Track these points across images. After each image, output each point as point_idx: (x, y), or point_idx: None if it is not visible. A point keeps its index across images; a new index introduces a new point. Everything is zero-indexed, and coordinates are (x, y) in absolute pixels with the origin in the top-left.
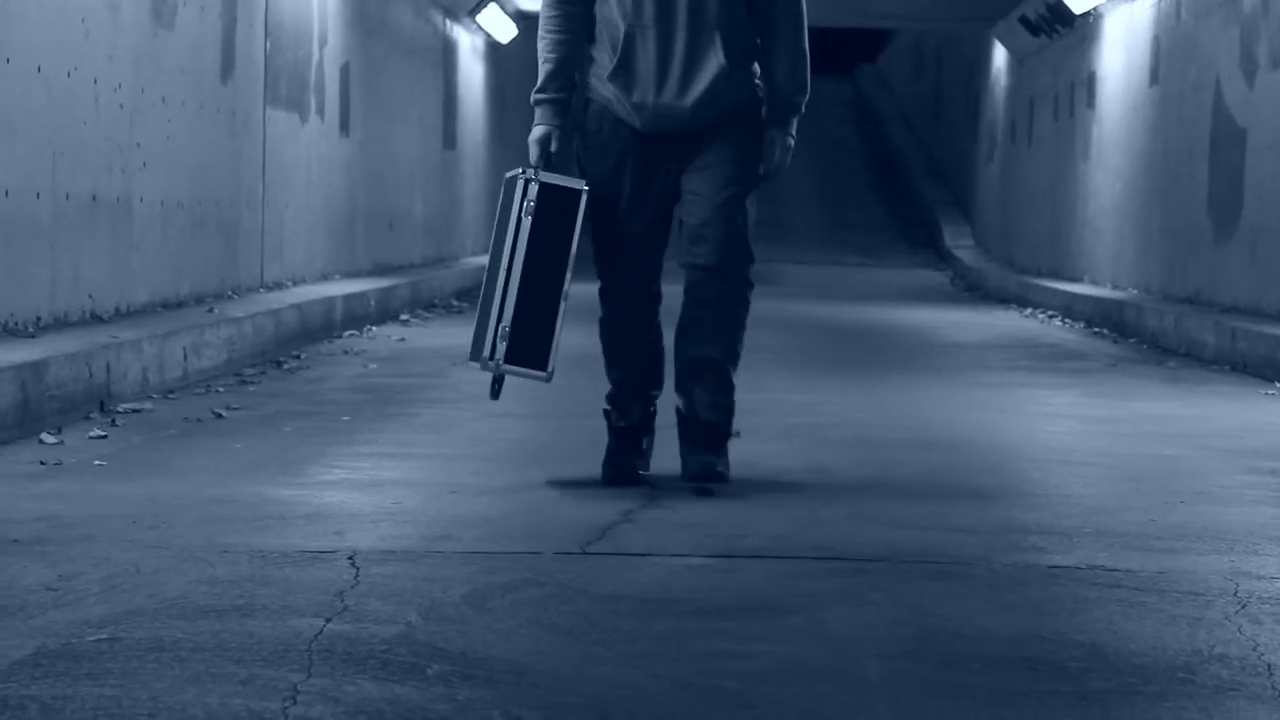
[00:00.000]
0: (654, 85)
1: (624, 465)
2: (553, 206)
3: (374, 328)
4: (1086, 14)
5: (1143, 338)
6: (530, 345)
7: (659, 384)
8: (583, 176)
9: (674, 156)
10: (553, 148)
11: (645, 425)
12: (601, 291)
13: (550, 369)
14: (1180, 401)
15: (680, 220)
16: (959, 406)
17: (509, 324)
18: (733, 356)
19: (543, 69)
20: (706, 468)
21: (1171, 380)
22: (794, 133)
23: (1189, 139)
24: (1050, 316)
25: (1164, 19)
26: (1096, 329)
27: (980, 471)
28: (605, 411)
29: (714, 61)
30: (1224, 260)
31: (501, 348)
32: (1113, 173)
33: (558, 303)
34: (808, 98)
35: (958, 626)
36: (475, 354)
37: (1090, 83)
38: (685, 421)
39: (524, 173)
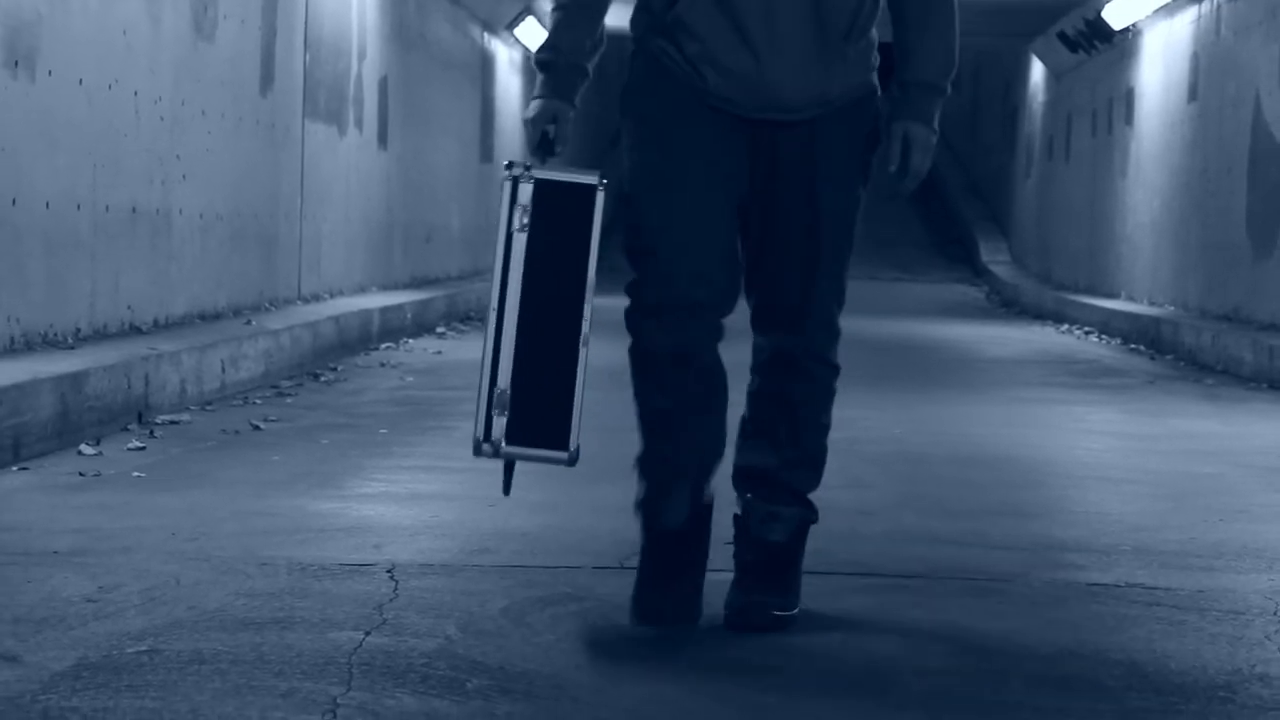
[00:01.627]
0: (727, 41)
1: (666, 597)
2: (556, 213)
3: (410, 340)
4: (1125, 30)
5: (1180, 354)
6: (541, 416)
7: (719, 452)
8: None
9: (750, 148)
10: (556, 133)
11: (698, 529)
12: (634, 312)
13: (573, 448)
14: (1218, 419)
15: (744, 253)
16: (996, 422)
17: (508, 388)
18: (812, 461)
19: (554, 17)
20: (755, 609)
21: (1209, 398)
22: (937, 126)
23: (1228, 155)
24: (1087, 332)
25: (1203, 35)
26: (1133, 345)
27: (1019, 488)
28: (637, 505)
29: (812, 23)
30: (1262, 277)
31: (500, 424)
32: (1151, 189)
33: (575, 351)
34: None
35: (997, 644)
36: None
37: (1129, 99)
38: (740, 534)
39: (512, 168)
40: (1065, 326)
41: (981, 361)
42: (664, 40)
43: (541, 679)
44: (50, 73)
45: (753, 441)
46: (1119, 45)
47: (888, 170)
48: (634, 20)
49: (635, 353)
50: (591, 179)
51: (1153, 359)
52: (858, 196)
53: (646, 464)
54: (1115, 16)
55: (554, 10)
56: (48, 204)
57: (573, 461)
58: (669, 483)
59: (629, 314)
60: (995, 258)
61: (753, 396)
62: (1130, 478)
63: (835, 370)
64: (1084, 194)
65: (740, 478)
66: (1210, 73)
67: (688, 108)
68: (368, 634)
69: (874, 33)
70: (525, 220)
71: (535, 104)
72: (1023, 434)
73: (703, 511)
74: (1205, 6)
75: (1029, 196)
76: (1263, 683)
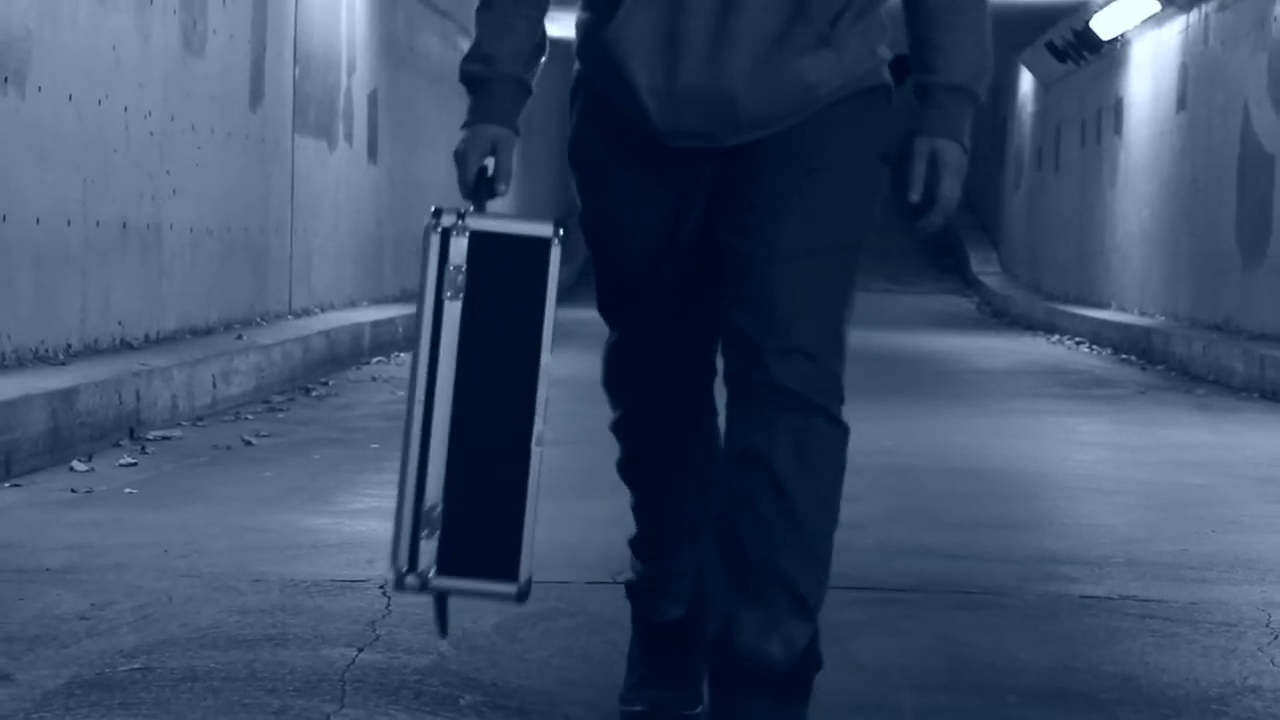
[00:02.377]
0: (671, 49)
1: (662, 698)
2: (499, 275)
3: (402, 354)
4: (1114, 40)
5: (1171, 365)
6: (483, 538)
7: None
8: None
9: (710, 180)
10: (496, 168)
11: (698, 620)
12: (613, 380)
13: (524, 579)
14: (1210, 429)
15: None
16: (988, 433)
17: (440, 504)
18: (815, 556)
19: (481, 19)
20: None
21: (1200, 408)
22: (968, 141)
23: (1217, 165)
24: (1078, 343)
25: (1192, 45)
26: (1124, 356)
27: (1010, 500)
28: (628, 586)
29: (780, 6)
30: (1252, 287)
31: (430, 550)
32: (1140, 199)
33: (525, 453)
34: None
35: (990, 657)
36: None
37: (1118, 109)
38: (719, 650)
39: (440, 218)
40: (1056, 337)
41: (972, 373)
42: (601, 79)
43: (534, 695)
44: (40, 88)
45: (729, 530)
46: (1107, 55)
47: (906, 201)
48: (577, 49)
49: (617, 422)
50: (544, 230)
51: (1143, 369)
52: (861, 211)
53: (641, 548)
54: (1104, 27)
55: (481, 9)
56: (38, 219)
57: (523, 597)
58: (665, 580)
59: (607, 378)
60: (985, 268)
61: (723, 471)
62: (1122, 489)
63: (843, 425)
64: (1073, 204)
65: (721, 577)
66: (1199, 83)
67: (633, 157)
68: (361, 650)
69: (882, 14)
70: (460, 284)
71: (466, 133)
72: (1014, 445)
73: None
74: (1193, 16)
75: (1019, 207)
76: (1255, 695)
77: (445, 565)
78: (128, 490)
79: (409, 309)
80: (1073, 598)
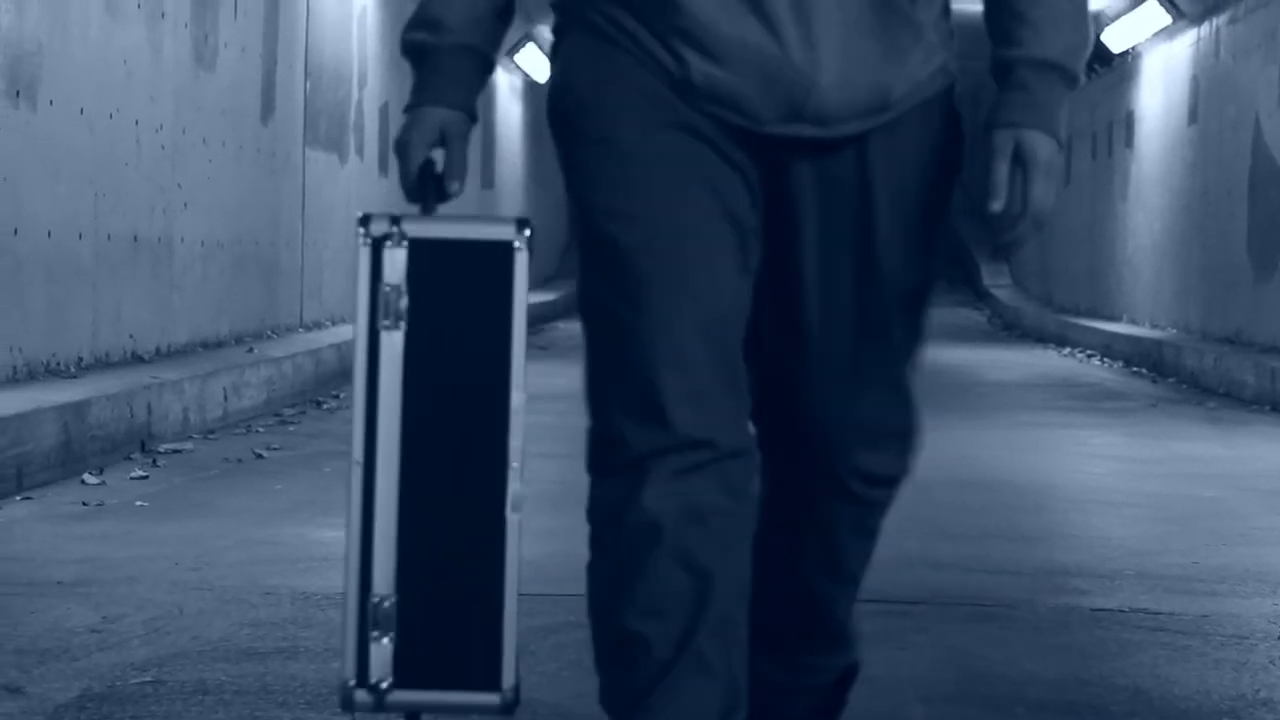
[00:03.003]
0: (725, 7)
1: None
2: (450, 293)
3: None
4: (1125, 53)
5: (1182, 377)
6: (452, 638)
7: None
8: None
9: (761, 183)
10: (448, 162)
11: None
12: (599, 447)
13: (508, 685)
14: (1221, 442)
15: (754, 331)
16: (999, 446)
17: (390, 598)
18: (848, 583)
19: None
20: None
21: (1211, 421)
22: (1064, 133)
23: (1228, 178)
24: (1089, 355)
25: (1203, 58)
26: (1135, 368)
27: (1021, 512)
28: None
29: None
30: (1264, 299)
31: (383, 655)
32: (1151, 212)
33: (499, 522)
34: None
35: (1002, 670)
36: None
37: (1129, 122)
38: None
39: (368, 226)
40: (1067, 349)
41: (983, 385)
42: (613, 6)
43: (545, 708)
44: (51, 102)
45: (761, 561)
46: (1118, 68)
47: (988, 209)
48: None
49: (596, 511)
50: (504, 231)
51: (1154, 382)
52: (933, 256)
53: (613, 705)
54: (1115, 40)
55: None
56: (49, 233)
57: (509, 708)
58: None
59: (590, 439)
60: (997, 281)
61: (763, 520)
62: (1132, 501)
63: (895, 486)
64: (1085, 217)
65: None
66: (1210, 96)
67: (656, 115)
68: None
69: None
70: (400, 309)
71: (408, 118)
72: (1025, 458)
73: None
74: (1204, 29)
75: None
76: (1267, 708)
77: (405, 676)
78: (139, 503)
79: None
80: (1083, 610)
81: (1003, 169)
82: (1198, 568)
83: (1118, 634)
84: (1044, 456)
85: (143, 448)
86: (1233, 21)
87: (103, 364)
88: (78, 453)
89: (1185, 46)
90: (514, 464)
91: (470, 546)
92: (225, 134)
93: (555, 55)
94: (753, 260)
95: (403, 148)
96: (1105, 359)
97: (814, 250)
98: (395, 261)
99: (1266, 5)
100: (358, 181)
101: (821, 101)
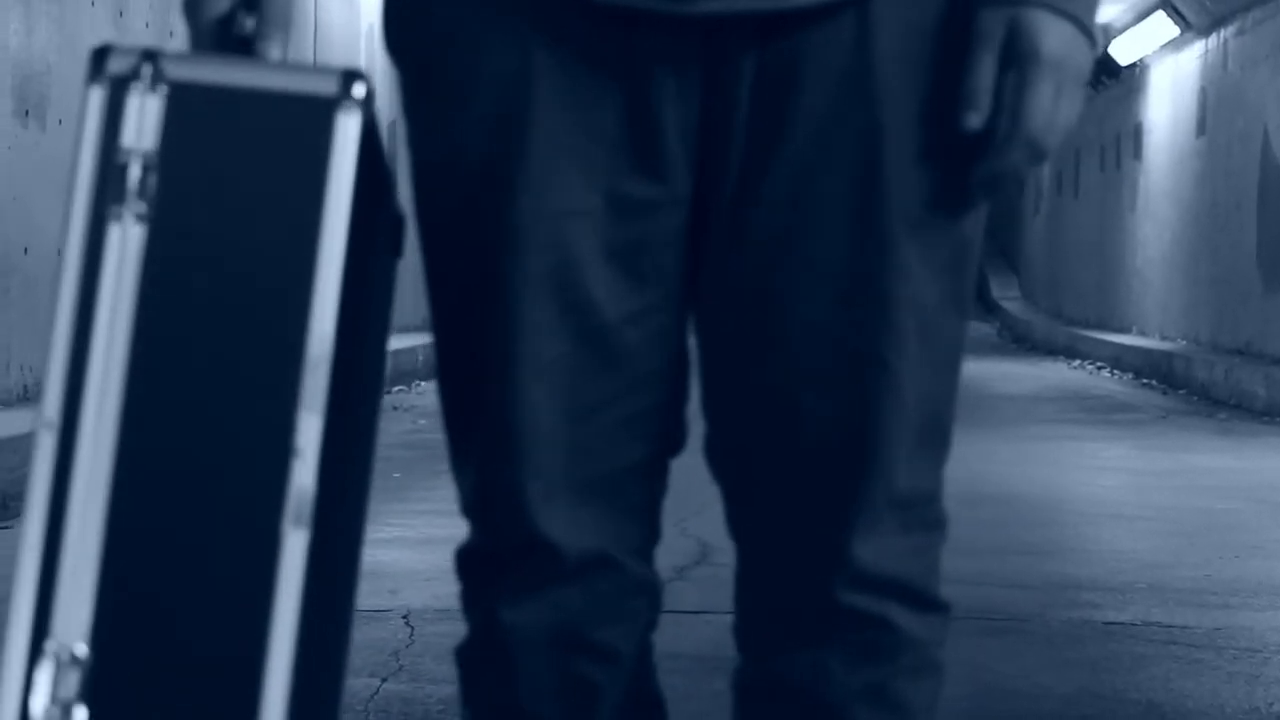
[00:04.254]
0: None
1: None
2: (224, 171)
3: (422, 383)
4: (1133, 65)
5: (1192, 389)
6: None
7: None
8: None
9: (704, 100)
10: (263, 8)
11: None
12: (468, 557)
13: None
14: (1232, 454)
15: (699, 345)
16: (1009, 459)
17: (83, 651)
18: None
19: None
20: None
21: (1223, 432)
22: (1095, 25)
23: (1237, 190)
24: (1099, 368)
25: (1211, 70)
26: (1146, 380)
27: (1032, 525)
28: None
29: None
30: (1273, 311)
31: None
32: (1160, 223)
33: (270, 541)
34: None
35: (1015, 684)
36: None
37: (1137, 134)
38: None
39: (105, 64)
40: (1077, 362)
41: (994, 398)
42: None
43: None
44: (60, 121)
45: None
46: (1126, 81)
47: (961, 123)
48: None
49: (469, 645)
50: (322, 84)
51: (1165, 394)
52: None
53: None
54: (1122, 52)
55: None
56: (59, 252)
57: None
58: None
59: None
60: (1006, 293)
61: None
62: (1144, 514)
63: (942, 612)
64: (1094, 229)
65: None
66: (1218, 107)
67: (539, 41)
68: (384, 680)
69: None
70: (147, 191)
71: None
72: (1036, 471)
73: None
74: (1212, 41)
75: (1039, 232)
76: None
77: None
78: None
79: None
80: (1096, 624)
81: (986, 66)
82: (1210, 580)
83: (1130, 647)
84: (1055, 469)
85: None
86: (1240, 33)
87: None
88: None
89: (1193, 58)
90: (303, 448)
91: (225, 577)
92: None
93: None
94: (670, 218)
95: (188, 12)
96: (1115, 371)
97: (791, 159)
98: (144, 116)
99: (1275, 17)
100: None
101: None
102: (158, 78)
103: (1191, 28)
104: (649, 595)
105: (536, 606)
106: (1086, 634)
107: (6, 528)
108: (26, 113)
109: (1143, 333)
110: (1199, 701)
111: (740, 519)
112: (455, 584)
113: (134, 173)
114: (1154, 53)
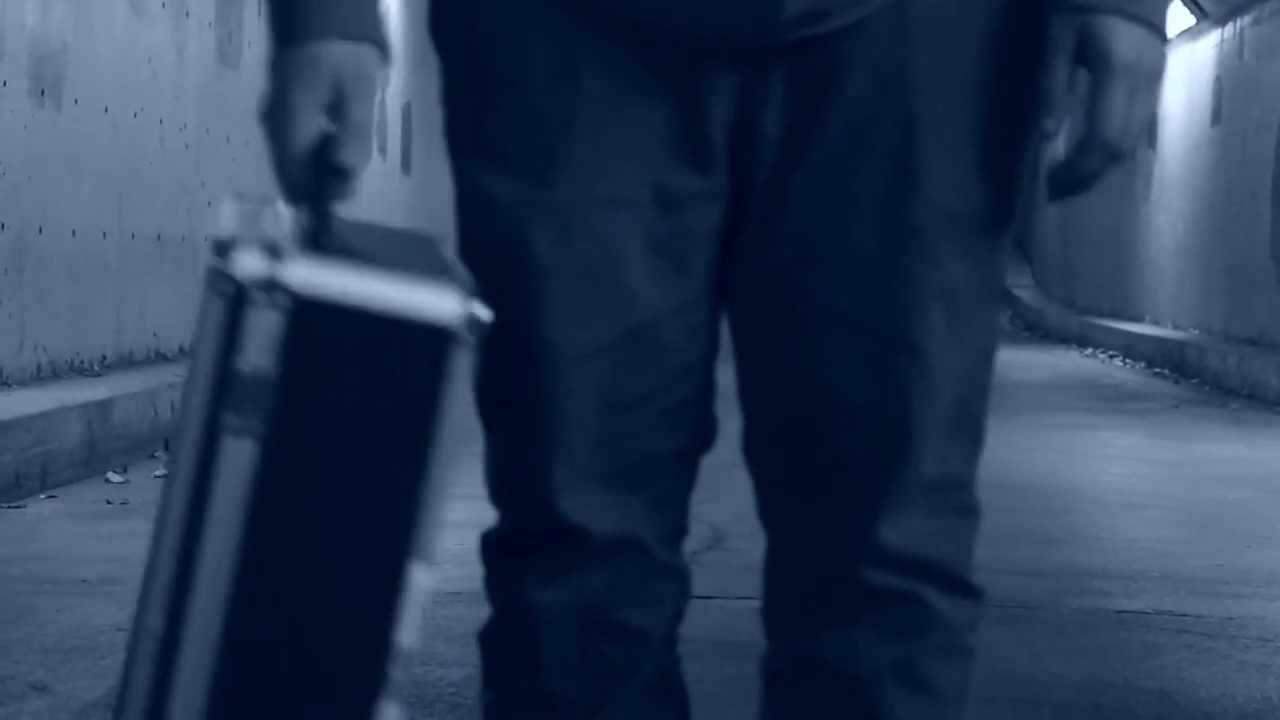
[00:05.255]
0: None
1: None
2: (340, 390)
3: None
4: None
5: (1205, 379)
6: None
7: None
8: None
9: (738, 112)
10: (343, 141)
11: None
12: (494, 542)
13: None
14: (1244, 444)
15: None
16: (1022, 448)
17: None
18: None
19: None
20: None
21: (1235, 422)
22: (1165, 24)
23: (1251, 179)
24: (1111, 356)
25: (1226, 59)
26: (1158, 369)
27: (1044, 514)
28: None
29: None
30: None
31: None
32: (1174, 213)
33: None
34: None
35: (1027, 672)
36: None
37: (1152, 123)
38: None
39: (228, 262)
40: (1090, 350)
41: (1006, 386)
42: None
43: None
44: (76, 101)
45: None
46: None
47: (1042, 131)
48: None
49: (494, 627)
50: (442, 307)
51: (1177, 383)
52: (1016, 187)
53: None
54: None
55: None
56: (74, 232)
57: None
58: None
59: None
60: (1019, 282)
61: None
62: (1156, 503)
63: (974, 597)
64: (1108, 218)
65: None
66: (1234, 96)
67: (585, 37)
68: None
69: None
70: (261, 406)
71: (281, 61)
72: (1048, 459)
73: None
74: (1228, 30)
75: (1052, 220)
76: None
77: None
78: None
79: None
80: (1108, 612)
81: (1060, 72)
82: (1222, 570)
83: (1142, 636)
84: (1067, 458)
85: (166, 446)
86: (1257, 22)
87: (126, 362)
88: (101, 451)
89: (1209, 47)
90: (396, 668)
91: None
92: (249, 133)
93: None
94: (703, 223)
95: (279, 112)
96: (1128, 360)
97: (822, 165)
98: (263, 330)
99: None
100: (381, 181)
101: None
102: (278, 290)
103: (1208, 17)
104: (678, 581)
105: (564, 587)
106: (1098, 622)
107: (19, 506)
108: (42, 92)
109: (1156, 322)
110: (1210, 690)
111: (771, 506)
112: (466, 567)
113: (250, 388)
114: (1169, 41)
